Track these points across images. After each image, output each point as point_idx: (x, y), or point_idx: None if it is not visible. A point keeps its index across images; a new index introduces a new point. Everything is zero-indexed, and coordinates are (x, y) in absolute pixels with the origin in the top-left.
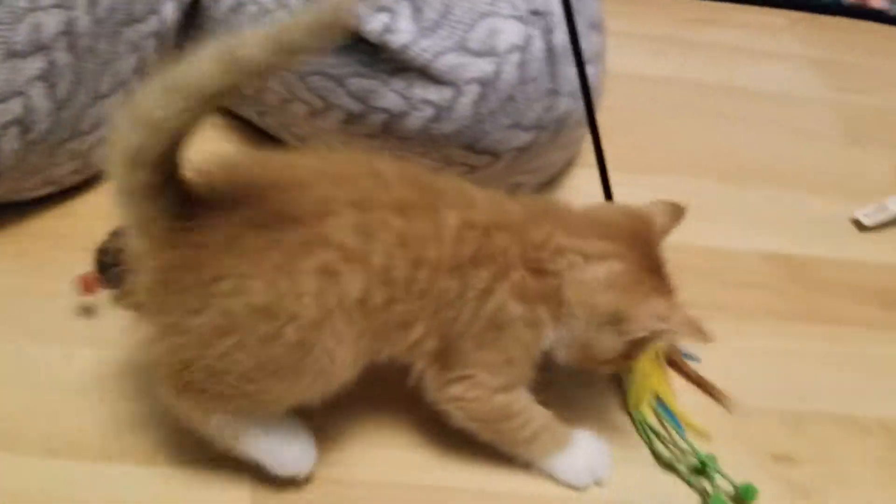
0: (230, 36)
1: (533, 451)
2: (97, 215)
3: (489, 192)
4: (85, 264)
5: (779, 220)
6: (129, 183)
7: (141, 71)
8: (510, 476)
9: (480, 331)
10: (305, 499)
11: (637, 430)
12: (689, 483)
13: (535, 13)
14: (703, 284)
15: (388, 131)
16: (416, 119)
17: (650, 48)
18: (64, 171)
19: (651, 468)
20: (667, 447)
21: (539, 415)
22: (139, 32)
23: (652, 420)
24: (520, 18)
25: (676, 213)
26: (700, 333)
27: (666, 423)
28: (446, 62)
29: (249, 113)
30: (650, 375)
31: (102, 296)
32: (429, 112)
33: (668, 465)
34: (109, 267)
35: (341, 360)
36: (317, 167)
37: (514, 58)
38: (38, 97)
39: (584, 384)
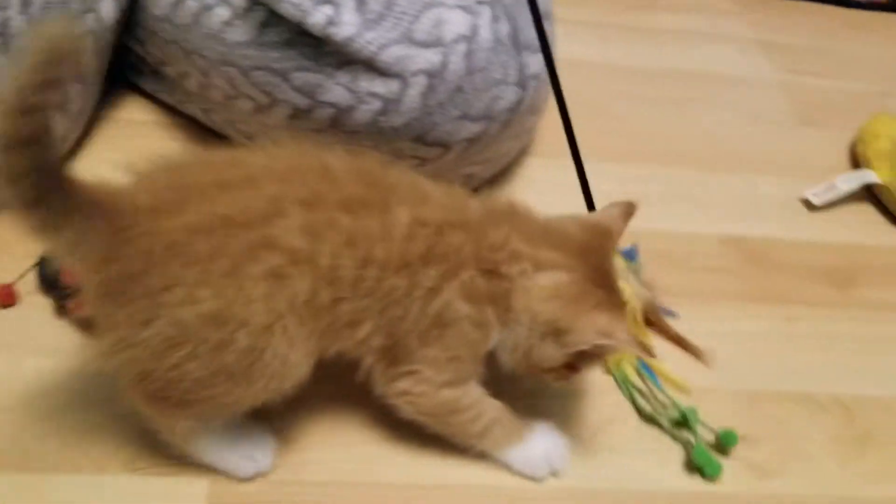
0: None
1: (486, 444)
2: None
3: (449, 189)
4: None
5: (732, 203)
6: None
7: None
8: (467, 468)
9: (426, 328)
10: (262, 501)
11: (619, 388)
12: (672, 436)
13: (481, 2)
14: (660, 268)
15: (336, 126)
16: (364, 112)
17: (598, 35)
18: None
19: (607, 453)
20: (648, 402)
21: (491, 409)
22: None
23: (634, 378)
24: (465, 8)
25: (629, 211)
26: (644, 350)
27: (646, 380)
28: (392, 54)
29: (194, 110)
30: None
31: (29, 305)
32: (376, 105)
33: (650, 420)
34: (51, 280)
35: (294, 361)
36: (263, 165)
37: (461, 48)
38: None
39: None
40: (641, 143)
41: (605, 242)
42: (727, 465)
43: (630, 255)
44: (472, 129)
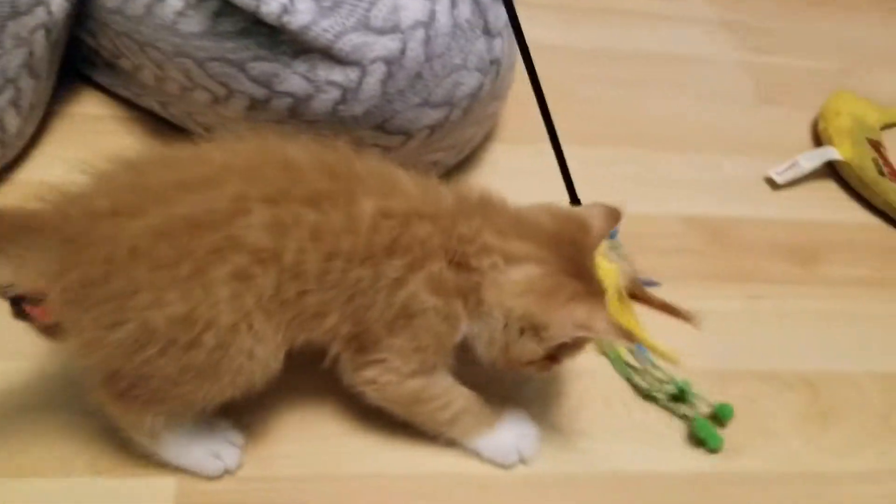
0: None
1: (455, 432)
2: None
3: (421, 179)
4: None
5: (696, 182)
6: None
7: (30, 66)
8: (438, 457)
9: (392, 318)
10: (231, 500)
11: (614, 367)
12: (670, 410)
13: None
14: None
15: (295, 115)
16: (323, 102)
17: (561, 18)
18: None
19: (577, 437)
20: (644, 379)
21: (460, 398)
22: (25, 26)
23: (627, 356)
24: None
25: (613, 216)
26: (625, 337)
27: (640, 358)
28: (349, 42)
29: (151, 103)
30: (617, 314)
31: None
32: (335, 94)
33: (647, 397)
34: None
35: (261, 355)
36: (225, 162)
37: (419, 34)
38: None
39: None
40: (604, 125)
41: (581, 233)
42: (694, 444)
43: (610, 233)
44: (433, 115)
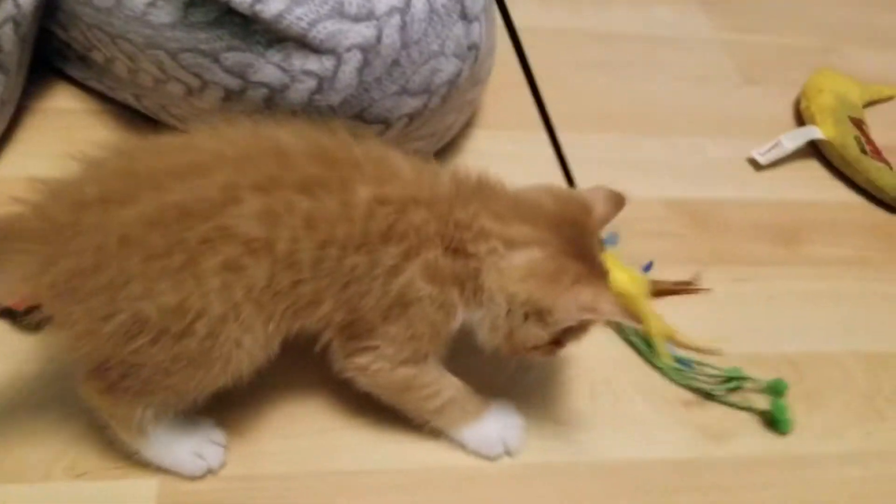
0: None
1: (440, 421)
2: None
3: (420, 164)
4: None
5: (677, 165)
6: None
7: None
8: (423, 451)
9: (388, 306)
10: (215, 499)
11: (671, 379)
12: (736, 406)
13: None
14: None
15: (271, 106)
16: (299, 91)
17: (538, 1)
18: None
19: (563, 427)
20: (700, 381)
21: (448, 389)
22: None
23: (675, 364)
24: None
25: (617, 201)
26: (631, 317)
27: (686, 372)
28: (324, 30)
29: (125, 96)
30: (649, 322)
31: None
32: (311, 83)
33: (709, 396)
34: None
35: (249, 345)
36: (216, 149)
37: (395, 20)
38: None
39: None
40: (584, 108)
41: (583, 215)
42: (679, 431)
43: (611, 241)
44: (411, 103)
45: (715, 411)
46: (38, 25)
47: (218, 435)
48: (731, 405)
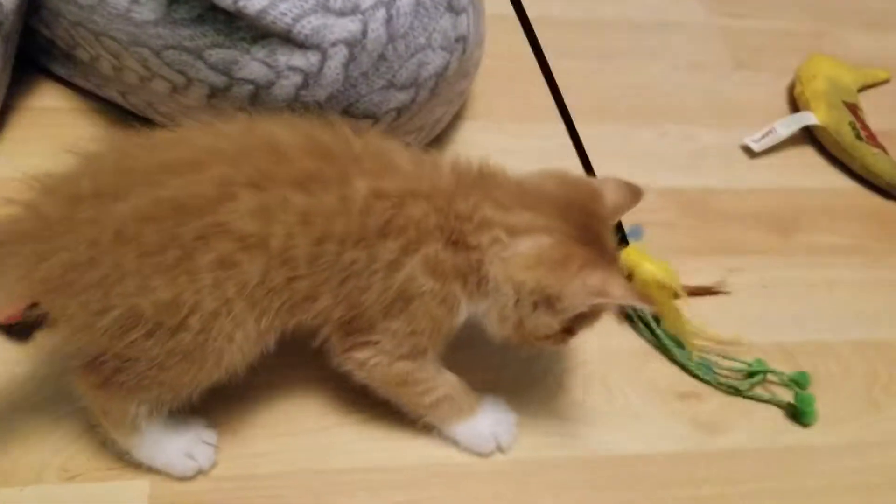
0: None
1: (434, 417)
2: None
3: (420, 157)
4: None
5: (670, 154)
6: None
7: None
8: (416, 449)
9: (390, 301)
10: (206, 499)
11: (702, 379)
12: (763, 400)
13: None
14: None
15: (257, 103)
16: (284, 87)
17: None
18: None
19: (556, 422)
20: (727, 377)
21: (444, 385)
22: None
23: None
24: None
25: (633, 192)
26: (643, 301)
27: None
28: (308, 25)
29: (112, 94)
30: (679, 317)
31: None
32: (296, 79)
33: (736, 392)
34: None
35: (241, 341)
36: (211, 145)
37: (380, 14)
38: None
39: None
40: (575, 97)
41: (591, 200)
42: (673, 424)
43: (635, 234)
44: (399, 97)
45: (709, 404)
46: (23, 23)
47: (209, 435)
48: (756, 399)
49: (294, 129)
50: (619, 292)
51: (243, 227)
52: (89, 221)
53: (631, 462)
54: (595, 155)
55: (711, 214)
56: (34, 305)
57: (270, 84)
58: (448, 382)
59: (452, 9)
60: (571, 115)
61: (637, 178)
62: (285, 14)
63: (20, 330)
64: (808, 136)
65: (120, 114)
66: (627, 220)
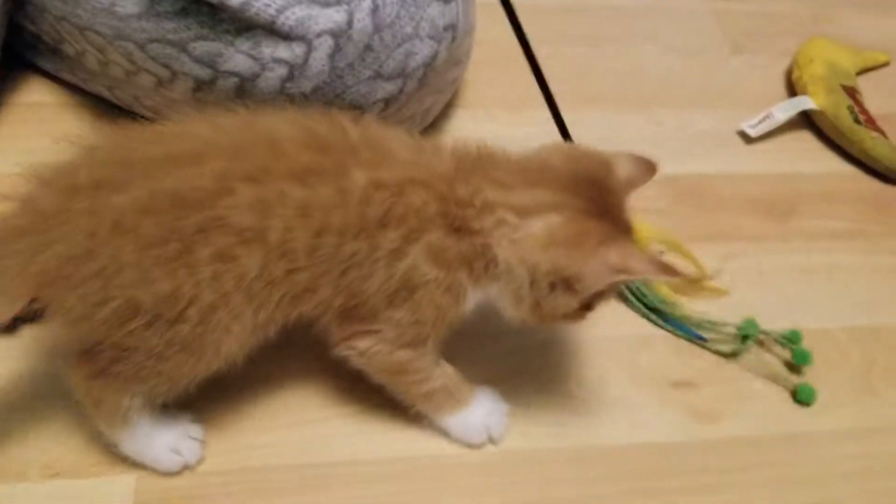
0: None
1: (428, 406)
2: None
3: (419, 144)
4: None
5: (665, 141)
6: None
7: None
8: (407, 441)
9: (394, 290)
10: (192, 494)
11: (697, 343)
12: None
13: None
14: None
15: (243, 95)
16: (270, 80)
17: None
18: None
19: (548, 412)
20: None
21: (440, 376)
22: None
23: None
24: None
25: (647, 166)
26: (667, 271)
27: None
28: (292, 16)
29: (99, 88)
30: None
31: None
32: (282, 71)
33: (733, 355)
34: None
35: (238, 333)
36: (210, 138)
37: (366, 4)
38: None
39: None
40: (566, 84)
41: (602, 171)
42: (668, 413)
43: None
44: (387, 88)
45: (705, 392)
46: (9, 19)
47: (195, 430)
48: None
49: (292, 123)
50: (640, 266)
51: (241, 222)
52: (87, 213)
53: (625, 452)
54: (588, 142)
55: (707, 201)
56: (32, 301)
57: (255, 76)
58: (445, 373)
59: None
60: (563, 102)
61: None
62: (269, 5)
63: (7, 324)
64: (806, 120)
65: (107, 108)
66: None
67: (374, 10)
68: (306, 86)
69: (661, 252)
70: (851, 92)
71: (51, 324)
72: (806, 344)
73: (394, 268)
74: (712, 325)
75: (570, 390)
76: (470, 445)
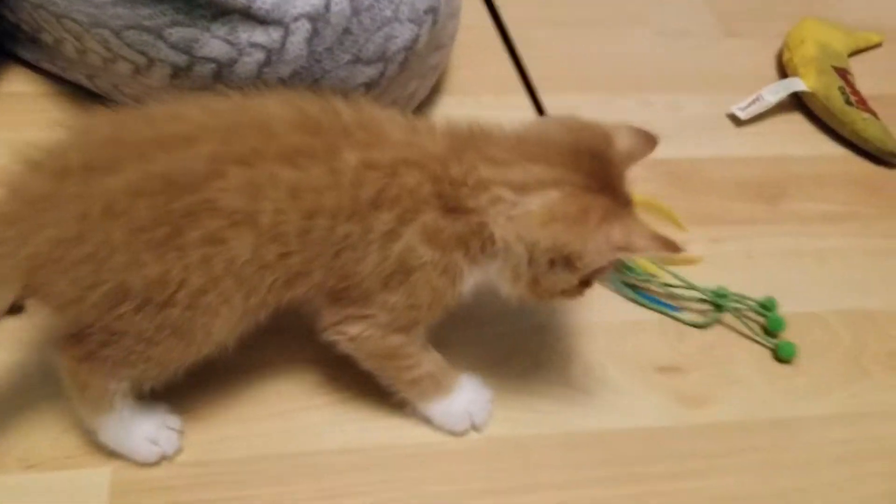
0: None
1: (412, 392)
2: None
3: (414, 124)
4: None
5: (654, 124)
6: None
7: None
8: (388, 430)
9: (389, 273)
10: (169, 485)
11: (671, 316)
12: (734, 330)
13: None
14: None
15: (220, 81)
16: (247, 65)
17: None
18: None
19: (533, 398)
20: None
21: (427, 363)
22: None
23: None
24: None
25: (647, 138)
26: (669, 246)
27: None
28: (269, 0)
29: (78, 77)
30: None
31: None
32: (259, 56)
33: (703, 327)
34: None
35: (227, 316)
36: (202, 121)
37: None
38: None
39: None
40: (556, 69)
41: (601, 142)
42: (654, 398)
43: None
44: (367, 72)
45: (691, 377)
46: None
47: (173, 420)
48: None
49: (284, 104)
50: (643, 243)
51: (230, 204)
52: (78, 196)
53: (611, 438)
54: None
55: (697, 184)
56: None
57: (233, 62)
58: (433, 359)
59: None
60: (554, 86)
61: None
62: None
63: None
64: (797, 102)
65: (87, 97)
66: None
67: None
68: (284, 71)
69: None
70: (843, 73)
71: (41, 308)
72: (796, 328)
73: (388, 250)
74: (683, 295)
75: (555, 376)
76: (453, 433)
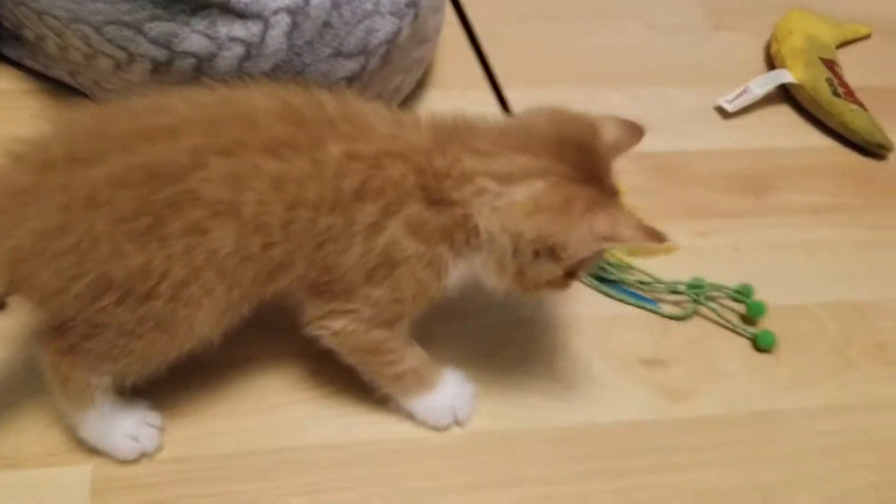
0: None
1: (395, 388)
2: None
3: (398, 117)
4: None
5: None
6: None
7: None
8: (369, 425)
9: (373, 266)
10: (149, 483)
11: (650, 311)
12: (714, 321)
13: None
14: None
15: (201, 76)
16: (227, 59)
17: None
18: None
19: (518, 393)
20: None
21: (410, 358)
22: None
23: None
24: None
25: (633, 129)
26: (654, 236)
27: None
28: None
29: (60, 73)
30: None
31: None
32: (239, 50)
33: (682, 318)
34: None
35: (209, 308)
36: (186, 113)
37: None
38: None
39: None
40: (543, 63)
41: (587, 133)
42: (639, 392)
43: None
44: (348, 66)
45: (675, 371)
46: None
47: (154, 417)
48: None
49: (268, 96)
50: (628, 233)
51: (213, 194)
52: (61, 187)
53: (595, 432)
54: None
55: (683, 177)
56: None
57: (212, 56)
58: (416, 355)
59: None
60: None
61: None
62: None
63: None
64: (784, 94)
65: (70, 94)
66: None
67: None
68: (264, 65)
69: None
70: (830, 65)
71: (23, 303)
72: (783, 320)
73: (372, 242)
74: (660, 287)
75: (539, 370)
76: (436, 428)
